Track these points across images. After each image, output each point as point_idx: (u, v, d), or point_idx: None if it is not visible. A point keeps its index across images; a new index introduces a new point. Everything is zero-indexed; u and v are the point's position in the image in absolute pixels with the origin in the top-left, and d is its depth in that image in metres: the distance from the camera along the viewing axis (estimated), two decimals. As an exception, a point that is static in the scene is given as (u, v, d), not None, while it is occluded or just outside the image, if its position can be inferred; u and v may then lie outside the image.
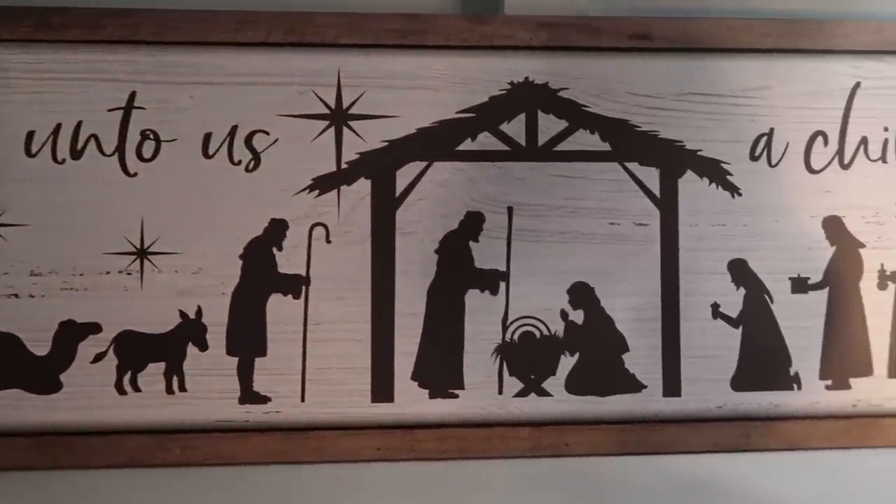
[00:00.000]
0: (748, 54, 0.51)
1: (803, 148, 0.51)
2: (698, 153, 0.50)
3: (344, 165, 0.49)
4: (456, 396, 0.49)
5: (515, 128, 0.50)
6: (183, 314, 0.48)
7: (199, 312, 0.48)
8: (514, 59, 0.50)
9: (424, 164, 0.49)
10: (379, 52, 0.49)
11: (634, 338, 0.50)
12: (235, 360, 0.48)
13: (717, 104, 0.50)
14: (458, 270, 0.49)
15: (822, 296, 0.51)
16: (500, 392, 0.49)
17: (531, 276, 0.49)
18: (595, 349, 0.50)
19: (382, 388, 0.49)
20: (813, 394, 0.51)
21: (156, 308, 0.47)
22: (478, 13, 0.52)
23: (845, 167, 0.51)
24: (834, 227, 0.50)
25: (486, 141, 0.49)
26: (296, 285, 0.48)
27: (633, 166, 0.50)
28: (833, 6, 0.53)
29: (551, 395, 0.49)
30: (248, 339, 0.48)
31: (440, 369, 0.49)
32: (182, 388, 0.48)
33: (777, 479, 0.50)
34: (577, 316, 0.50)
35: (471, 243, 0.49)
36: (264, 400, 0.48)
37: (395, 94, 0.49)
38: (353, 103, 0.49)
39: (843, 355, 0.50)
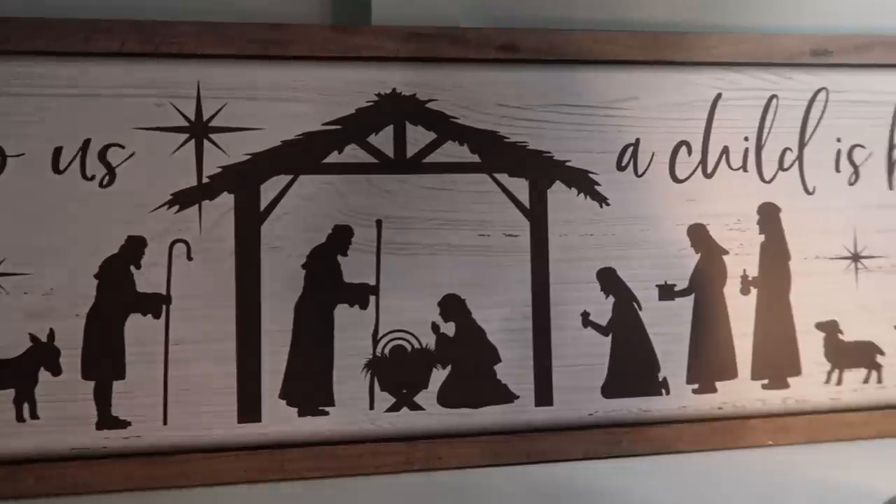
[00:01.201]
0: (614, 66, 0.52)
1: (668, 158, 0.52)
2: (567, 164, 0.51)
3: (205, 180, 0.48)
4: (326, 414, 0.48)
5: (383, 140, 0.49)
6: (34, 338, 0.46)
7: (51, 336, 0.46)
8: (382, 70, 0.49)
9: (290, 177, 0.48)
10: (241, 63, 0.48)
11: (506, 348, 0.50)
12: (91, 384, 0.46)
13: (585, 115, 0.51)
14: (326, 285, 0.48)
15: (688, 302, 0.52)
16: (372, 407, 0.49)
17: (401, 290, 0.49)
18: (467, 361, 0.50)
19: (249, 408, 0.48)
20: (681, 398, 0.52)
21: (3, 332, 0.45)
22: (346, 23, 0.51)
23: (708, 176, 0.52)
24: (698, 235, 0.52)
25: (353, 153, 0.49)
26: (155, 304, 0.47)
27: (503, 177, 0.50)
28: (697, 18, 0.54)
29: (423, 409, 0.49)
30: (104, 361, 0.46)
31: (309, 387, 0.48)
32: (34, 416, 0.46)
33: (648, 482, 0.51)
34: (449, 328, 0.50)
35: (339, 257, 0.49)
36: (124, 424, 0.46)
37: (258, 105, 0.48)
38: (214, 115, 0.48)
39: (709, 360, 0.52)
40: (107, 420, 0.47)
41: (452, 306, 0.50)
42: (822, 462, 0.53)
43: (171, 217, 0.48)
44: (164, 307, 0.48)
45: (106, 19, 0.47)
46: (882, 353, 0.54)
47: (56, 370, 0.47)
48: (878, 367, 0.54)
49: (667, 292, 0.52)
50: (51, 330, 0.46)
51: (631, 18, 0.54)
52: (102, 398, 0.47)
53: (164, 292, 0.48)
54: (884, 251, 0.55)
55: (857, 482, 0.51)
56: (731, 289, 0.53)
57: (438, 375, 0.50)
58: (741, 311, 0.53)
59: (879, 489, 0.45)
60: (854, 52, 0.54)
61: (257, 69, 0.49)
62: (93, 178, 0.47)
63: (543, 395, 0.51)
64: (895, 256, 0.54)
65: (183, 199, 0.48)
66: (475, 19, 0.54)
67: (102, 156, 0.47)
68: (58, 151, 0.47)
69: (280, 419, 0.49)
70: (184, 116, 0.48)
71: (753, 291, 0.54)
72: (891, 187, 0.55)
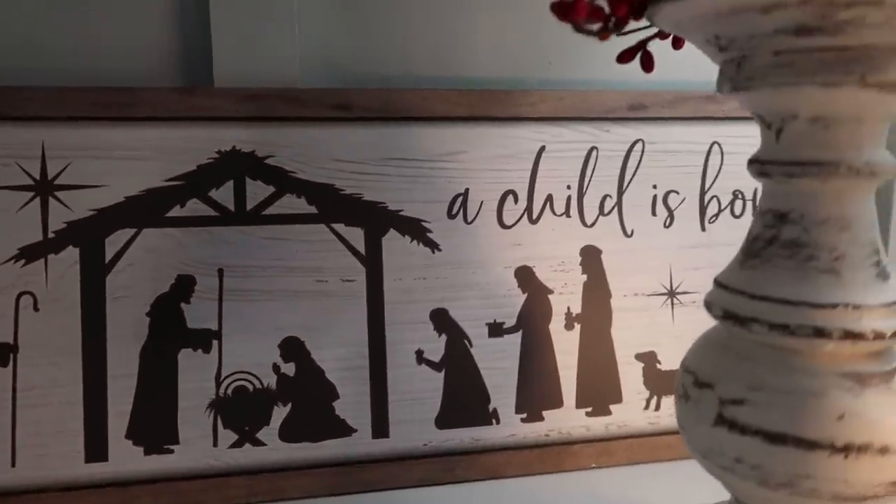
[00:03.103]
0: (443, 122, 0.56)
1: (496, 206, 0.57)
2: (400, 213, 0.55)
3: (51, 235, 0.51)
4: (171, 452, 0.52)
5: (224, 194, 0.53)
6: None
7: None
8: (222, 129, 0.53)
9: (134, 230, 0.52)
10: (86, 125, 0.51)
11: (344, 386, 0.54)
12: (-61, 431, 0.49)
13: (417, 168, 0.55)
14: (170, 331, 0.52)
15: (516, 338, 0.57)
16: (215, 444, 0.52)
17: (243, 334, 0.53)
18: (307, 399, 0.53)
19: (96, 449, 0.51)
20: (510, 427, 0.56)
21: None
22: (191, 85, 0.54)
23: (534, 222, 0.57)
24: (525, 276, 0.56)
25: (195, 207, 0.52)
26: (2, 354, 0.49)
27: (339, 227, 0.54)
28: (522, 76, 0.59)
29: (266, 445, 0.53)
30: (-48, 409, 0.48)
31: (154, 427, 0.52)
32: None
33: (481, 506, 0.55)
34: (289, 368, 0.53)
35: (183, 305, 0.52)
36: (-29, 468, 0.49)
37: (102, 164, 0.52)
38: (58, 174, 0.51)
39: (536, 390, 0.57)
40: (-45, 465, 0.49)
41: (292, 348, 0.54)
42: (643, 481, 0.58)
43: (18, 271, 0.51)
44: (11, 356, 0.50)
45: (-48, 85, 0.50)
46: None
47: None
48: (690, 394, 0.59)
49: (496, 330, 0.57)
50: None
51: (459, 75, 0.59)
52: (-50, 444, 0.50)
53: (11, 342, 0.50)
54: (697, 287, 0.60)
55: (675, 498, 0.56)
56: (556, 325, 0.58)
57: (280, 413, 0.54)
58: (566, 346, 0.58)
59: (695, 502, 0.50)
60: (667, 106, 0.59)
61: (102, 130, 0.52)
62: (-60, 235, 0.50)
63: (380, 428, 0.55)
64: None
65: (29, 254, 0.51)
66: (315, 80, 0.58)
67: (-50, 214, 0.50)
68: None
69: (126, 458, 0.52)
70: (29, 176, 0.51)
71: (577, 327, 0.58)
72: (703, 229, 0.61)
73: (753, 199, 0.62)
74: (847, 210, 0.33)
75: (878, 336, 0.31)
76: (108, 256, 0.53)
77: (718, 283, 0.37)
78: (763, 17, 0.30)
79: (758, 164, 0.35)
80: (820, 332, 0.32)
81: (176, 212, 0.54)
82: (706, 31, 0.33)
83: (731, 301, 0.35)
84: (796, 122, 0.33)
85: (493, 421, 0.58)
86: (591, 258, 0.60)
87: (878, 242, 0.34)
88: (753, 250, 0.35)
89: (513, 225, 0.59)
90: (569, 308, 0.59)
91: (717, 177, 0.62)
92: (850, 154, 0.32)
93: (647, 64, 0.40)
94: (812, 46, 0.30)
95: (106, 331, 0.53)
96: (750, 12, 0.30)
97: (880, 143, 0.33)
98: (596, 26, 0.32)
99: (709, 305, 0.36)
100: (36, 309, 0.52)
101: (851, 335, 0.31)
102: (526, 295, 0.59)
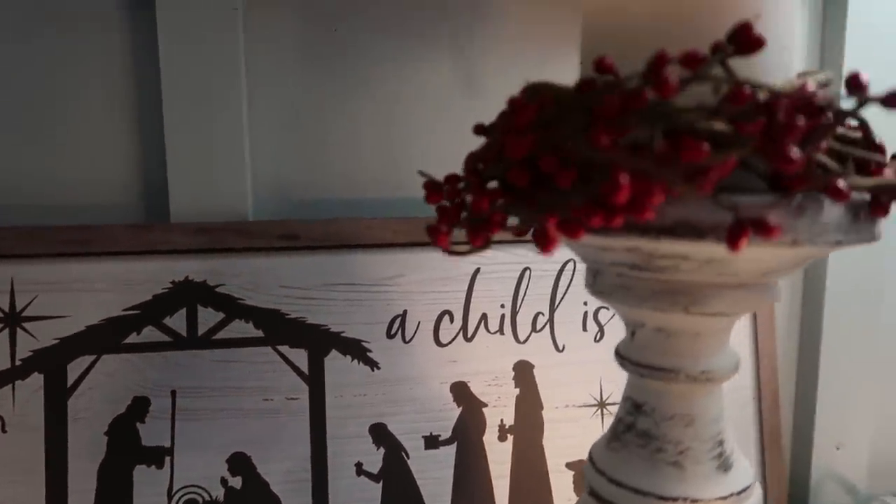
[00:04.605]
0: (383, 248, 0.60)
1: (433, 325, 0.61)
2: (342, 335, 0.59)
3: (18, 362, 0.55)
4: (126, 561, 0.56)
5: (178, 321, 0.57)
6: None
7: None
8: (176, 261, 0.58)
9: (94, 357, 0.56)
10: (51, 261, 0.56)
11: (288, 497, 0.58)
12: (-86, 544, 0.53)
13: (358, 292, 0.59)
14: (126, 449, 0.56)
15: (451, 450, 0.60)
16: (167, 553, 0.56)
17: (194, 450, 0.57)
18: (253, 510, 0.57)
19: (57, 559, 0.55)
20: (445, 534, 0.60)
21: None
22: (149, 221, 0.59)
23: (469, 340, 0.61)
24: (460, 391, 0.60)
25: (150, 334, 0.57)
26: (-28, 473, 0.54)
27: (284, 349, 0.59)
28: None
29: (214, 553, 0.57)
30: (-74, 524, 0.53)
31: (111, 538, 0.56)
32: None
33: None
34: (237, 482, 0.57)
35: (138, 424, 0.56)
36: (-57, 579, 0.53)
37: (65, 296, 0.56)
38: (26, 307, 0.55)
39: (471, 499, 0.60)
40: (-72, 576, 0.54)
41: (239, 462, 0.59)
42: (573, 584, 0.61)
43: (-13, 396, 0.56)
44: (-20, 475, 0.55)
45: (-70, 227, 0.55)
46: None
47: None
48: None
49: (432, 442, 0.61)
50: None
51: (411, 197, 0.63)
52: (-76, 557, 0.54)
53: (-20, 462, 0.55)
54: (626, 398, 0.63)
55: None
56: (490, 437, 0.62)
57: (227, 523, 0.58)
58: (499, 456, 0.62)
59: None
60: (597, 228, 0.63)
61: (65, 265, 0.57)
62: (-83, 365, 0.55)
63: (322, 536, 0.59)
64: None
65: (-2, 380, 0.56)
66: (265, 210, 0.62)
67: (-74, 346, 0.55)
68: None
69: (84, 568, 0.56)
70: (0, 309, 0.56)
71: (510, 438, 0.62)
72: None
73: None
74: (691, 408, 0.36)
75: (712, 530, 0.35)
76: (70, 381, 0.58)
77: (590, 456, 0.40)
78: (603, 252, 0.34)
79: (619, 357, 0.39)
80: (663, 525, 0.35)
81: (133, 338, 0.58)
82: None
83: (595, 480, 0.38)
84: (644, 329, 0.37)
85: (429, 528, 0.62)
86: (523, 372, 0.64)
87: (722, 434, 0.37)
88: (616, 433, 0.39)
89: (448, 343, 0.63)
90: (502, 420, 0.63)
91: (647, 291, 0.65)
92: (688, 362, 0.36)
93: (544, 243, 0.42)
94: (644, 278, 0.34)
95: (67, 450, 0.57)
96: (592, 248, 0.34)
97: (719, 350, 0.36)
98: (463, 248, 0.36)
99: (584, 476, 0.40)
100: (4, 430, 0.56)
101: (689, 528, 0.35)
102: (461, 408, 0.63)
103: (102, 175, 0.62)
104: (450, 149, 0.66)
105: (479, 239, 0.35)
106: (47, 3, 0.59)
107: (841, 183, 0.27)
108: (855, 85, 0.26)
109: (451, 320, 0.63)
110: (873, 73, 0.29)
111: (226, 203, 0.61)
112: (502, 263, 0.64)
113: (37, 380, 0.57)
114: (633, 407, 0.38)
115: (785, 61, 0.31)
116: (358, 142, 0.65)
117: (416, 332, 0.62)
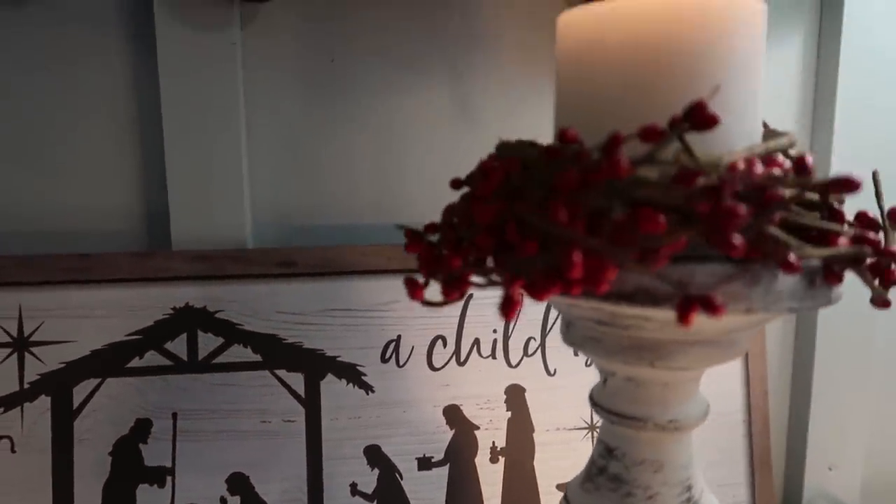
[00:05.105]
0: (378, 275, 0.62)
1: (426, 350, 0.62)
2: (337, 359, 0.61)
3: (26, 385, 0.57)
4: (129, 577, 0.58)
5: (178, 345, 0.59)
6: None
7: None
8: (177, 287, 0.59)
9: (98, 380, 0.58)
10: (54, 288, 0.58)
11: (285, 516, 0.60)
12: (-72, 559, 0.56)
13: (353, 317, 0.61)
14: (129, 469, 0.58)
15: (444, 471, 0.62)
16: (168, 570, 0.58)
17: (194, 470, 0.59)
18: (251, 528, 0.59)
19: (63, 574, 0.57)
20: (437, 552, 0.61)
21: None
22: (152, 248, 0.61)
23: (462, 364, 0.62)
24: (453, 414, 0.62)
25: (152, 358, 0.59)
26: (-18, 492, 0.56)
27: (282, 373, 0.60)
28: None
29: (213, 570, 0.59)
30: (-61, 540, 0.56)
31: (114, 555, 0.58)
32: None
33: None
34: (235, 501, 0.59)
35: (141, 445, 0.58)
36: (-44, 592, 0.56)
37: (70, 322, 0.58)
38: (33, 332, 0.58)
39: (462, 519, 0.61)
40: (-59, 589, 0.57)
41: (238, 482, 0.61)
42: None
43: (-3, 418, 0.58)
44: (-10, 493, 0.57)
45: (-58, 255, 0.58)
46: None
47: None
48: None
49: (425, 464, 0.63)
50: None
51: (407, 222, 0.64)
52: (-63, 571, 0.57)
53: (-10, 481, 0.58)
54: (617, 421, 0.64)
55: None
56: (482, 458, 0.63)
57: (226, 541, 0.60)
58: (490, 478, 0.64)
59: None
60: (589, 254, 0.64)
61: (69, 292, 0.59)
62: (-69, 388, 0.57)
63: (317, 554, 0.61)
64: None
65: (7, 403, 0.58)
66: (264, 236, 0.64)
67: (-61, 369, 0.57)
68: None
69: (89, 583, 0.59)
70: (8, 334, 0.58)
71: (502, 460, 0.63)
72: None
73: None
74: (661, 454, 0.38)
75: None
76: (76, 403, 0.60)
77: (565, 495, 0.42)
78: (571, 308, 0.35)
79: (592, 402, 0.40)
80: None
81: (135, 362, 0.61)
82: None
83: (569, 520, 0.40)
84: (615, 377, 0.38)
85: (422, 547, 0.63)
86: (515, 396, 0.65)
87: (691, 479, 0.38)
88: (590, 474, 0.40)
89: (442, 367, 0.64)
90: (494, 442, 0.65)
91: (638, 316, 0.66)
92: (657, 411, 0.37)
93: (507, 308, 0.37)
94: (611, 333, 0.35)
95: (73, 470, 0.59)
96: (560, 304, 0.35)
97: (688, 399, 0.38)
98: (438, 299, 0.37)
99: (559, 514, 0.41)
100: (13, 451, 0.59)
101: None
102: (454, 431, 0.64)
103: (104, 202, 0.64)
104: (444, 176, 0.67)
105: (454, 294, 0.36)
106: (49, 34, 0.61)
107: (792, 256, 0.28)
108: (801, 168, 0.27)
109: (445, 345, 0.64)
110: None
111: (225, 232, 0.63)
112: (495, 290, 0.65)
113: (44, 402, 0.60)
114: (606, 450, 0.39)
115: (747, 129, 0.32)
116: (354, 169, 0.66)
117: (409, 356, 0.64)
